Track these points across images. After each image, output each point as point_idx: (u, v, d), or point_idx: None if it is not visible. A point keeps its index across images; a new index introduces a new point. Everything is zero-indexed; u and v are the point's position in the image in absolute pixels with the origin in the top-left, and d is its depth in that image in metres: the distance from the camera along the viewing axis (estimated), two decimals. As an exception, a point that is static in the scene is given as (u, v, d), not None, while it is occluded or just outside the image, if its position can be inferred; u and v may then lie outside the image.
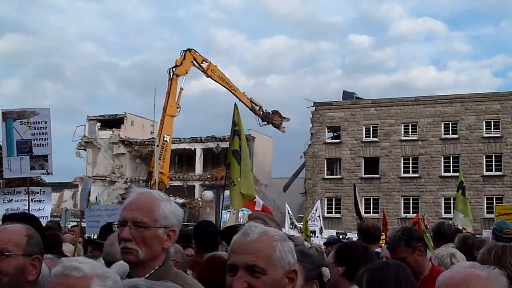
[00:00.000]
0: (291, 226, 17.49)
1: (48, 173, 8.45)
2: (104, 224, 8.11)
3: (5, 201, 9.25)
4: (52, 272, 2.19)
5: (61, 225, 25.01)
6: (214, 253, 4.66)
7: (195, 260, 5.21)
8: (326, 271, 3.07)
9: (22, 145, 8.22)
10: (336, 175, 50.08)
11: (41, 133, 8.25)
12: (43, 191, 9.63)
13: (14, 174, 8.43)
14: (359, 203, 14.74)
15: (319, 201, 24.02)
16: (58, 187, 53.21)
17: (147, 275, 2.62)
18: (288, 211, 18.23)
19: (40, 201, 9.37)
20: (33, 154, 8.28)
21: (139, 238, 2.62)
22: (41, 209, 9.07)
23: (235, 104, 9.39)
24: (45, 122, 8.24)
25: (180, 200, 44.25)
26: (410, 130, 48.24)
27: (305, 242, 10.31)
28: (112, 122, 60.51)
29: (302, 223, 18.04)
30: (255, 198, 10.15)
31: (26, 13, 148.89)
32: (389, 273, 3.54)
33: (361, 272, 3.59)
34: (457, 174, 42.88)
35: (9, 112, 8.29)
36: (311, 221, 17.98)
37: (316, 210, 19.21)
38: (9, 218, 5.00)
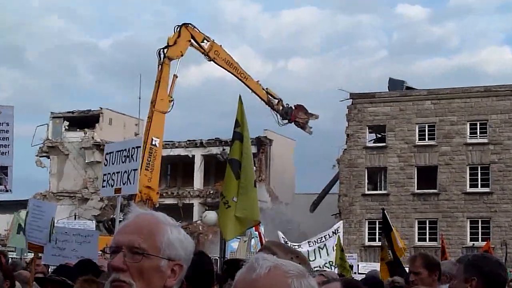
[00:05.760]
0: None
1: (7, 191, 8.57)
2: (79, 260, 7.70)
3: None
4: None
5: (17, 256, 25.05)
6: None
7: None
8: None
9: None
10: (380, 190, 50.22)
11: (2, 138, 8.19)
12: None
13: None
14: (394, 230, 14.74)
15: (341, 222, 23.87)
16: (13, 206, 53.19)
17: None
18: (281, 237, 18.34)
19: None
20: (-11, 165, 8.30)
21: (134, 269, 2.62)
22: None
23: (240, 97, 9.40)
24: (7, 124, 8.19)
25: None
26: (478, 130, 48.22)
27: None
28: (84, 121, 60.92)
29: (335, 253, 18.06)
30: (259, 223, 10.08)
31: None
32: None
33: None
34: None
35: None
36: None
37: (334, 233, 18.77)
38: None
